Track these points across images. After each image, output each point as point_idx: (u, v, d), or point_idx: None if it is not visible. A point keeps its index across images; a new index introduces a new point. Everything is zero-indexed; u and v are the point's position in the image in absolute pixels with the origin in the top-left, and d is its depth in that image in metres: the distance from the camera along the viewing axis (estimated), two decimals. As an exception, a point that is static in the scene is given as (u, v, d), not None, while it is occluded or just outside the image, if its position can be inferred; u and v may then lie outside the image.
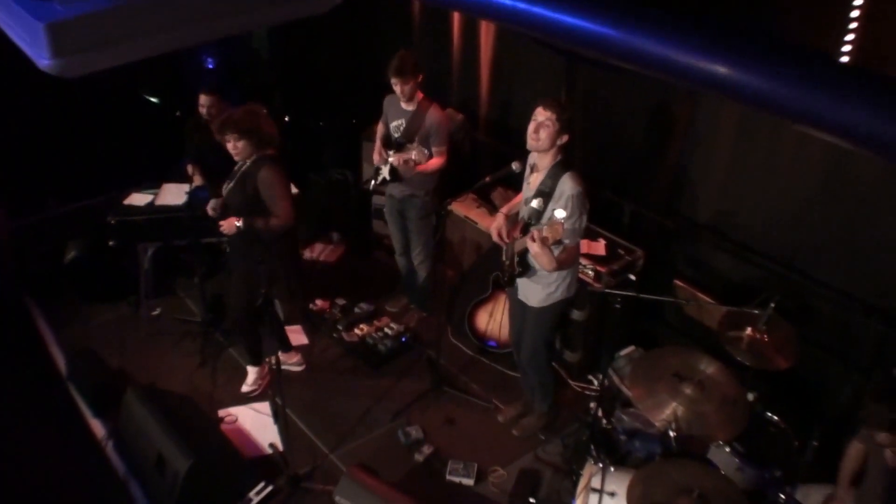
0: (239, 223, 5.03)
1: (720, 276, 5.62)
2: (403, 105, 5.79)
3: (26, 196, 7.19)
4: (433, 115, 5.73)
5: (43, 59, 1.73)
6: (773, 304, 4.32)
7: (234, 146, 4.99)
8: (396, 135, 5.85)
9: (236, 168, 5.20)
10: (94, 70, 1.81)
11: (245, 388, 5.86)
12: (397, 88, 5.65)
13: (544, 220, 4.51)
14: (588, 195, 4.47)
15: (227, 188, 5.23)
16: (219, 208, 5.21)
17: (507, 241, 4.84)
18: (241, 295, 5.42)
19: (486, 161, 7.25)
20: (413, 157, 5.57)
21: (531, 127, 4.48)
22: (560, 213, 4.13)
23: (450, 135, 6.00)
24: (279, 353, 5.85)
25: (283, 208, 5.10)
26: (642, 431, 4.90)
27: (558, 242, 4.30)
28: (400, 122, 5.83)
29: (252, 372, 5.89)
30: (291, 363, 6.10)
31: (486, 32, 6.89)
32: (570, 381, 6.05)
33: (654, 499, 3.46)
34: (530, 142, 4.51)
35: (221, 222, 5.10)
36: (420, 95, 5.76)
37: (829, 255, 4.94)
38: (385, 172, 5.94)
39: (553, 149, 4.49)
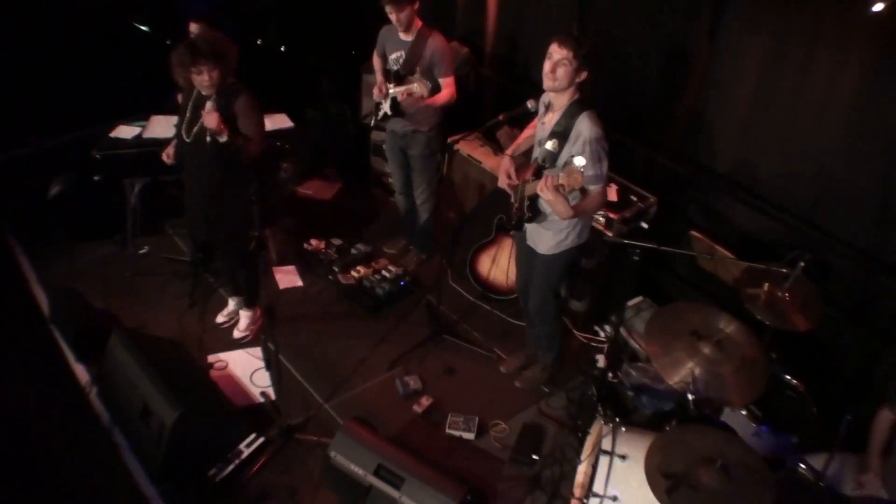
0: (223, 129, 4.58)
1: (736, 227, 5.41)
2: (402, 35, 5.49)
3: (8, 129, 6.92)
4: (434, 43, 5.43)
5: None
6: (802, 264, 4.09)
7: (209, 76, 4.55)
8: (396, 67, 5.55)
9: (195, 101, 4.79)
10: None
11: (237, 334, 5.66)
12: (392, 17, 5.34)
13: (559, 162, 4.26)
14: (607, 137, 4.20)
15: (188, 125, 4.84)
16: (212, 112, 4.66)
17: (516, 183, 4.58)
18: (240, 235, 5.13)
19: (491, 97, 7.01)
20: (415, 89, 5.28)
21: (547, 66, 4.18)
22: (580, 161, 3.85)
23: (455, 63, 5.69)
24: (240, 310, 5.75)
25: (259, 136, 4.80)
26: (650, 387, 4.73)
27: (581, 189, 4.06)
28: (399, 53, 5.53)
29: (244, 316, 5.69)
30: (240, 330, 5.74)
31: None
32: (576, 332, 5.85)
33: (674, 468, 3.26)
34: (547, 82, 4.22)
35: (205, 115, 4.59)
36: (419, 24, 5.45)
37: (852, 212, 4.73)
38: (386, 107, 5.66)
39: (571, 87, 4.21)
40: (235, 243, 5.20)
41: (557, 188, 3.95)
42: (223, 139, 4.60)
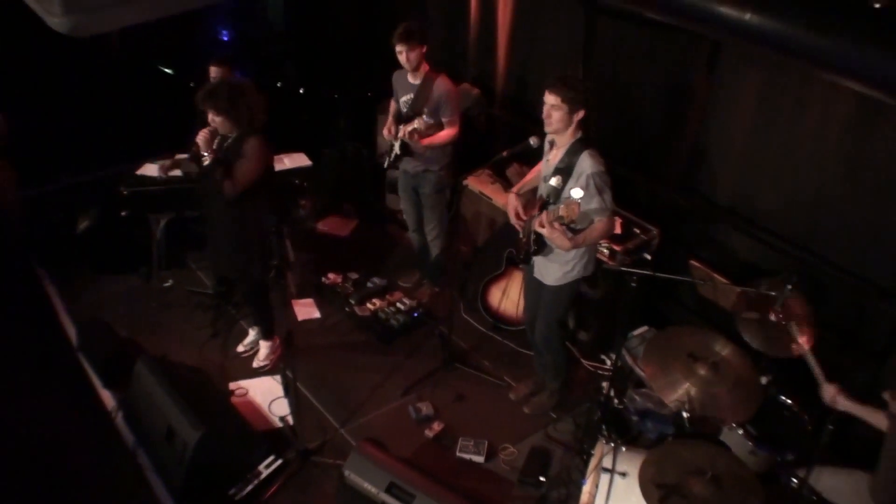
0: (209, 149, 4.91)
1: (736, 256, 5.58)
2: (410, 79, 5.75)
3: (39, 166, 7.18)
4: (441, 85, 5.67)
5: (53, 17, 1.68)
6: (790, 287, 4.26)
7: (213, 120, 4.87)
8: (405, 109, 5.81)
9: (219, 141, 5.06)
10: (105, 29, 1.77)
11: (257, 364, 5.84)
12: (402, 57, 5.57)
13: (563, 197, 4.46)
14: (609, 172, 4.43)
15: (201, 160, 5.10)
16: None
17: (524, 219, 4.80)
18: (248, 269, 5.39)
19: (501, 136, 7.22)
20: (415, 126, 5.53)
21: (544, 112, 4.45)
22: (577, 193, 4.10)
23: (460, 105, 5.95)
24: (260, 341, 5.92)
25: (242, 180, 4.93)
26: (654, 412, 4.87)
27: (581, 220, 4.28)
28: (408, 96, 5.79)
29: (264, 346, 5.87)
30: (259, 360, 5.92)
31: (504, 4, 6.80)
32: (583, 360, 6.02)
33: (667, 479, 3.42)
34: (545, 126, 4.49)
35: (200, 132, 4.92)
36: (426, 67, 5.69)
37: (847, 239, 4.89)
38: (397, 147, 5.91)
39: (570, 127, 4.44)
40: (244, 277, 5.46)
41: (553, 223, 4.22)
42: (206, 161, 4.88)
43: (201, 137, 4.91)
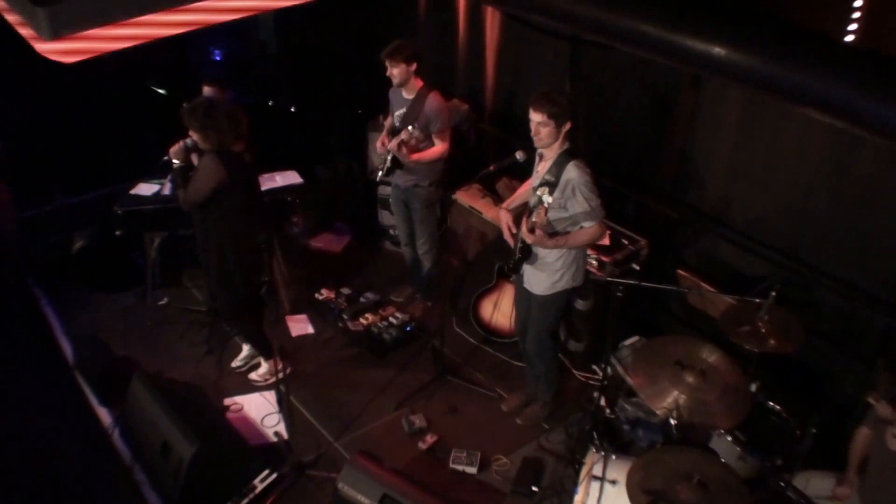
0: (179, 156, 5.21)
1: (724, 265, 5.63)
2: (405, 94, 5.84)
3: (35, 187, 7.23)
4: (432, 101, 5.76)
5: (41, 43, 1.74)
6: (774, 294, 4.32)
7: (192, 135, 5.05)
8: (398, 123, 5.89)
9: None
10: (94, 54, 1.82)
11: (254, 376, 5.90)
12: (388, 72, 5.68)
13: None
14: (595, 181, 4.52)
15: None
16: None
17: (515, 232, 4.87)
18: (237, 287, 5.41)
19: (491, 151, 7.28)
20: (402, 139, 5.63)
21: (532, 129, 4.54)
22: (547, 199, 4.22)
23: (450, 121, 6.04)
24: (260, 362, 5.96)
25: (191, 193, 5.05)
26: (645, 420, 4.92)
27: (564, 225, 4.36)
28: (402, 111, 5.88)
29: (264, 365, 5.91)
30: (259, 375, 5.97)
31: (492, 23, 6.90)
32: (574, 371, 6.06)
33: (654, 485, 3.46)
34: (535, 142, 4.59)
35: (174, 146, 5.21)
36: (419, 83, 5.79)
37: (834, 246, 4.94)
38: (388, 161, 5.99)
39: (559, 139, 4.53)
40: (222, 295, 5.50)
41: (531, 230, 4.35)
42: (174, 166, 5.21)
43: (173, 148, 5.17)
